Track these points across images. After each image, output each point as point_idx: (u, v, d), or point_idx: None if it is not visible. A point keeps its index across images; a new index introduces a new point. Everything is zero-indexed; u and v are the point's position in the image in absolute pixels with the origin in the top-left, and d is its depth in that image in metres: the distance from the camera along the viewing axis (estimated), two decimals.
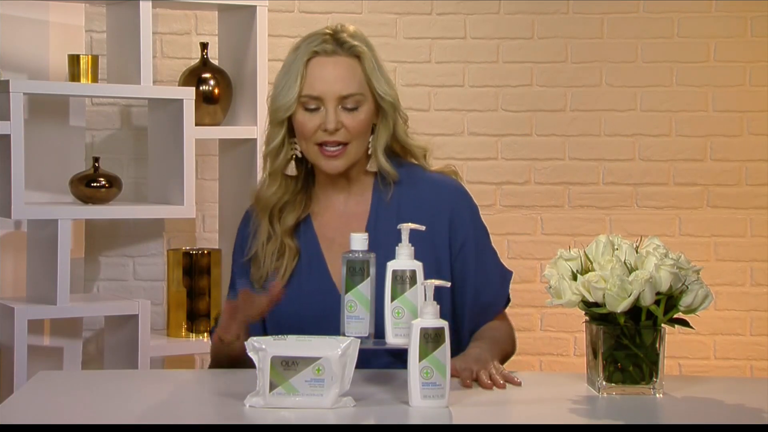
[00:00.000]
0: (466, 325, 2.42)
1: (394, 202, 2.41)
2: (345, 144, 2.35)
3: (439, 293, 2.36)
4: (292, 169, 2.40)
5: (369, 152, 2.40)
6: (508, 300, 2.50)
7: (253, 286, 2.41)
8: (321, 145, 2.35)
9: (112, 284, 3.70)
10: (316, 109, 2.34)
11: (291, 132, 2.39)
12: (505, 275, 2.49)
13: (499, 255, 2.51)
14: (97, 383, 2.21)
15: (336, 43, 2.36)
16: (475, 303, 2.42)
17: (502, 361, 2.36)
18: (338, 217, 2.42)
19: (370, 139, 2.40)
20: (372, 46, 2.40)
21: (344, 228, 2.37)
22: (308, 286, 2.36)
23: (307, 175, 2.44)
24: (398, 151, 2.45)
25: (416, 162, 2.47)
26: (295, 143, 2.39)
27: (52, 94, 3.41)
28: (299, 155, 2.40)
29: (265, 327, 2.40)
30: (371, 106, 2.37)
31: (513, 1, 3.86)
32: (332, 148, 2.34)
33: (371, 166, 2.41)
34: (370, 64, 2.36)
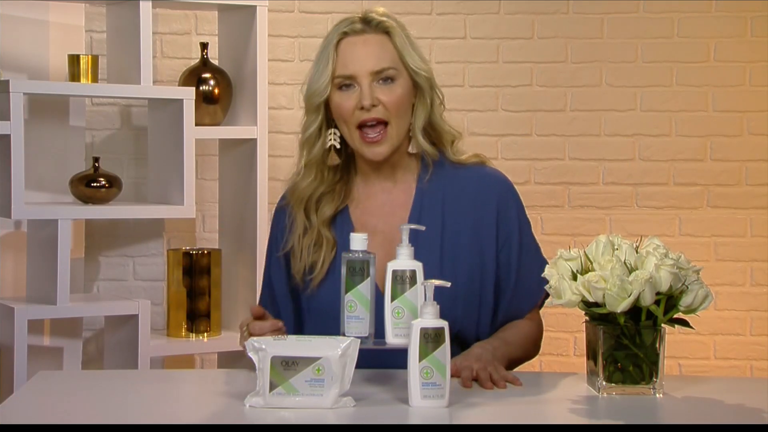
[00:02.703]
0: (500, 318, 2.41)
1: (439, 193, 2.39)
2: (384, 123, 2.32)
3: (482, 285, 2.35)
4: (332, 159, 2.39)
5: (410, 134, 2.38)
6: (547, 294, 2.49)
7: (290, 281, 2.40)
8: (361, 128, 2.33)
9: (112, 284, 3.70)
10: (351, 87, 2.33)
11: (329, 122, 2.38)
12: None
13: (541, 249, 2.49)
14: (97, 383, 2.21)
15: (364, 22, 2.36)
16: (513, 296, 2.41)
17: (515, 362, 2.36)
18: (381, 205, 2.40)
19: (411, 120, 2.38)
20: (402, 24, 2.40)
21: (388, 217, 2.36)
22: None
23: (348, 163, 2.42)
24: (432, 137, 2.42)
25: (443, 150, 2.42)
26: (333, 133, 2.38)
27: (52, 94, 3.41)
28: (337, 145, 2.38)
29: (301, 322, 2.40)
30: (407, 82, 2.35)
31: (513, 1, 3.86)
32: (373, 134, 2.32)
33: (412, 148, 2.39)
34: (401, 39, 2.36)
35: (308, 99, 2.37)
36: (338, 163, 2.40)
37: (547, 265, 2.14)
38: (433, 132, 2.41)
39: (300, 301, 2.42)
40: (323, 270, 2.36)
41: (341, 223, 2.40)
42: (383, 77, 2.33)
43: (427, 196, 2.38)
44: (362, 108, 2.31)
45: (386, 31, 2.36)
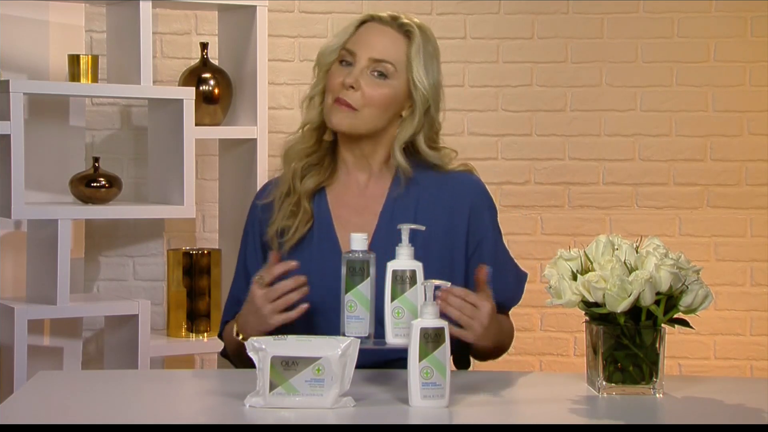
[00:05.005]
0: None
1: (413, 195, 2.39)
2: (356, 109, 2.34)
3: None
4: (329, 134, 2.41)
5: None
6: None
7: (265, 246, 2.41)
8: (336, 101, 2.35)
9: (112, 284, 3.70)
10: (349, 66, 2.36)
11: None
12: (521, 276, 2.49)
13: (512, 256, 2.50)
14: (97, 383, 2.21)
15: (392, 18, 2.40)
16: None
17: (497, 351, 2.35)
18: (355, 197, 2.42)
19: (396, 133, 2.39)
20: (430, 39, 2.42)
21: (361, 209, 2.38)
22: (318, 262, 2.34)
23: (336, 147, 2.44)
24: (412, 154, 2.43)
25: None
26: None
27: (52, 94, 3.41)
28: None
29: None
30: (401, 88, 2.37)
31: (513, 1, 3.86)
32: (343, 103, 2.33)
33: (393, 160, 2.40)
34: (417, 48, 2.38)
35: (318, 58, 2.42)
36: (331, 141, 2.42)
37: (548, 265, 2.14)
38: (416, 153, 2.42)
39: None
40: (294, 238, 2.37)
41: (317, 203, 2.41)
42: (378, 69, 2.35)
43: (401, 198, 2.39)
44: (343, 84, 2.33)
45: (407, 35, 2.38)
